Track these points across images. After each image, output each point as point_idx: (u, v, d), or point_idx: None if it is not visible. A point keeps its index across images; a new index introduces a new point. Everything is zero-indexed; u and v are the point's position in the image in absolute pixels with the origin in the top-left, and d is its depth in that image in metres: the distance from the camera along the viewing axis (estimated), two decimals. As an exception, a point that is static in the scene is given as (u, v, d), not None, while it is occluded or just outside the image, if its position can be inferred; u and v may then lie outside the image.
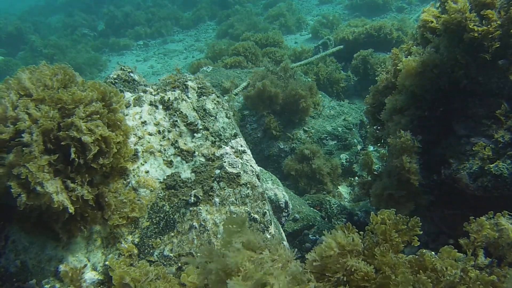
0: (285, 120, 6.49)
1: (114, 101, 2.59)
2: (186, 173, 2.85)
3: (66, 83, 2.51)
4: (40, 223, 2.35)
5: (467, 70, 3.12)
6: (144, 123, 2.95)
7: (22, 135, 2.20)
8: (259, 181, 2.93)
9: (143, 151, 2.84)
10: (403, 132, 3.31)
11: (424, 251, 1.82)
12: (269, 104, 6.41)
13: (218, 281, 1.65)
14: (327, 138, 6.54)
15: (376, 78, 4.22)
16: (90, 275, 2.39)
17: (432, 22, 3.41)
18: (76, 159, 2.31)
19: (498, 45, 2.96)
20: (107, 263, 2.41)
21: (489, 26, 2.96)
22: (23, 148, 2.18)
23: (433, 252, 1.87)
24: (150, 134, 2.93)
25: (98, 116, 2.43)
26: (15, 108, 2.26)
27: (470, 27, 2.99)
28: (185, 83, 3.27)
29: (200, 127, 3.07)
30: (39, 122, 2.24)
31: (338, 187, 6.05)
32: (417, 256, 1.79)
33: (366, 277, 1.68)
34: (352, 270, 1.69)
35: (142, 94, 3.11)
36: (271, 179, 4.60)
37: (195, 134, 3.03)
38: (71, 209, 2.23)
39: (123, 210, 2.54)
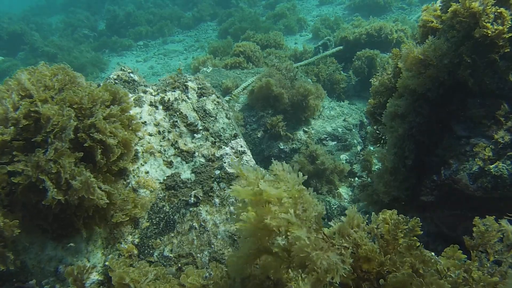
0: (286, 120, 6.49)
1: (123, 100, 2.67)
2: (186, 173, 2.85)
3: (66, 83, 2.52)
4: (57, 220, 2.37)
5: (474, 69, 3.06)
6: (144, 123, 2.95)
7: (65, 132, 2.25)
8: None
9: (143, 152, 2.84)
10: (380, 148, 3.34)
11: (425, 251, 1.81)
12: (273, 103, 6.40)
13: (253, 183, 1.68)
14: (327, 138, 6.54)
15: (370, 80, 4.22)
16: (90, 275, 2.38)
17: (432, 22, 3.39)
18: (102, 160, 2.38)
19: (508, 50, 2.92)
20: (107, 263, 2.41)
21: (504, 26, 2.89)
22: (56, 146, 2.22)
23: (433, 253, 1.87)
24: (150, 135, 2.93)
25: (115, 118, 2.51)
26: (16, 109, 2.27)
27: (484, 23, 2.91)
28: (185, 83, 3.27)
29: (200, 127, 3.07)
30: (52, 120, 2.26)
31: (339, 187, 6.05)
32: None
33: (369, 253, 1.69)
34: (359, 244, 1.71)
35: (142, 94, 3.11)
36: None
37: (195, 135, 3.03)
38: (104, 203, 2.30)
39: (126, 207, 2.55)
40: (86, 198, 2.23)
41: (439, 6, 3.44)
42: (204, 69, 8.33)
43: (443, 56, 3.12)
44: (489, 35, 2.91)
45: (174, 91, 3.19)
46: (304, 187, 1.72)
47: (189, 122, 3.07)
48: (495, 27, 2.90)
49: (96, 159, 2.36)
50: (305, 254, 1.56)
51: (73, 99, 2.40)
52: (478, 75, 3.07)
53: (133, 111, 2.98)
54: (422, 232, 1.87)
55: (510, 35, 2.90)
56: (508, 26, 2.90)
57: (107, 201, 2.32)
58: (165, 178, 2.80)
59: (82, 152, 2.32)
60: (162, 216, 2.66)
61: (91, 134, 2.35)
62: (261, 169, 1.78)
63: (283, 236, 1.61)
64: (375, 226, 1.85)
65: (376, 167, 4.96)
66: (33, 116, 2.29)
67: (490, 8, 2.91)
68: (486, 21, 2.91)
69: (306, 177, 1.74)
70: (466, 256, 1.81)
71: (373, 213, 1.94)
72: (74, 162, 2.26)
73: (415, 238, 1.83)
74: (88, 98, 2.43)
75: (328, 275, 1.53)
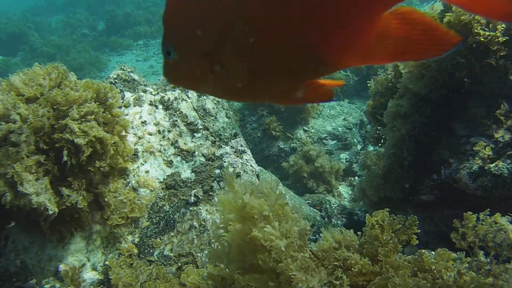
0: (285, 119, 6.49)
1: (109, 96, 2.55)
2: (186, 172, 2.84)
3: (59, 81, 2.49)
4: (30, 222, 2.34)
5: (470, 70, 3.09)
6: (144, 123, 2.95)
7: (10, 135, 2.20)
8: (259, 181, 2.93)
9: (143, 151, 2.84)
10: (377, 149, 3.35)
11: (423, 251, 1.81)
12: (268, 104, 6.41)
13: (239, 197, 1.66)
14: (327, 138, 6.54)
15: (367, 83, 4.22)
16: (90, 275, 2.39)
17: None
18: (68, 161, 2.29)
19: (504, 53, 2.94)
20: (107, 262, 2.41)
21: (496, 31, 2.92)
22: (10, 148, 2.18)
23: (433, 252, 1.87)
24: (150, 134, 2.93)
25: (93, 116, 2.40)
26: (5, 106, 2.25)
27: (476, 31, 2.95)
28: (185, 83, 3.26)
29: (200, 127, 3.07)
30: (28, 120, 2.23)
31: (338, 186, 6.05)
32: (416, 257, 1.79)
33: (363, 270, 1.67)
34: (348, 262, 1.69)
35: (142, 94, 3.11)
36: (271, 179, 4.60)
37: (195, 134, 3.03)
38: (52, 211, 2.21)
39: (123, 210, 2.54)
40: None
41: (438, 15, 3.46)
42: (204, 68, 8.31)
43: (442, 60, 3.14)
44: (482, 41, 2.94)
45: (174, 90, 3.19)
46: (287, 202, 1.70)
47: (189, 121, 3.06)
48: (487, 33, 2.93)
49: (62, 160, 2.27)
50: (289, 272, 1.52)
51: (55, 99, 2.34)
52: (475, 75, 3.09)
53: (133, 110, 2.98)
54: (419, 230, 1.86)
55: (505, 39, 2.91)
56: (500, 30, 2.92)
57: (53, 212, 2.22)
58: (165, 177, 2.80)
59: (55, 153, 2.27)
60: (162, 216, 2.66)
61: (61, 134, 2.28)
62: (254, 184, 1.74)
63: (271, 253, 1.56)
64: (354, 239, 1.83)
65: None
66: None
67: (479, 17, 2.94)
68: (478, 28, 2.95)
69: (286, 200, 1.71)
70: (456, 256, 1.79)
71: (367, 215, 1.94)
72: (34, 165, 2.19)
73: (409, 237, 1.83)
74: (66, 98, 2.34)
75: None
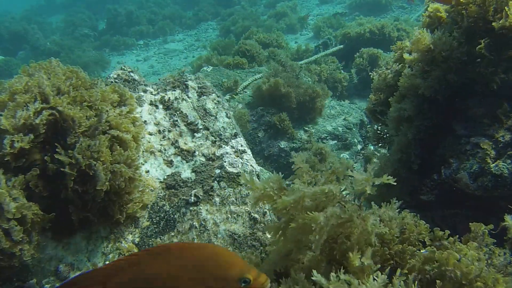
0: (290, 118, 6.49)
1: (129, 102, 2.70)
2: (186, 172, 2.85)
3: (77, 88, 2.54)
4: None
5: (494, 66, 2.90)
6: (144, 122, 2.96)
7: (97, 130, 2.36)
8: (259, 181, 2.93)
9: (143, 151, 2.84)
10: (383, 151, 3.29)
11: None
12: (280, 102, 6.40)
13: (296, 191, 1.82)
14: (327, 137, 6.54)
15: (370, 74, 4.18)
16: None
17: (440, 12, 3.32)
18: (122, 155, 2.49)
19: None
20: (107, 262, 2.41)
21: None
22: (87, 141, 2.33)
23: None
24: (150, 134, 2.93)
25: (123, 117, 2.57)
26: (37, 116, 2.27)
27: (509, 12, 2.66)
28: (185, 82, 3.27)
29: (200, 126, 3.07)
30: (78, 120, 2.33)
31: (339, 186, 6.05)
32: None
33: (387, 235, 1.79)
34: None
35: (142, 93, 3.12)
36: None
37: (195, 134, 3.03)
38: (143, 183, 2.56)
39: (135, 196, 2.57)
40: (132, 179, 2.42)
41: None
42: (204, 68, 8.33)
43: (452, 52, 2.96)
44: (507, 26, 2.68)
45: (174, 90, 3.20)
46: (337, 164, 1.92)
47: (189, 121, 3.07)
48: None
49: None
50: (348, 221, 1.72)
51: (83, 97, 2.43)
52: (496, 72, 2.88)
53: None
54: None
55: None
56: None
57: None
58: (166, 177, 2.80)
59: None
60: (162, 215, 2.66)
61: (107, 131, 2.41)
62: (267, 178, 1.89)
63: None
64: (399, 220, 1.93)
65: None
66: (50, 120, 2.29)
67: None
68: (506, 9, 2.67)
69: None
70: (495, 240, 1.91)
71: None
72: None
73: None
74: (101, 97, 2.50)
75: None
